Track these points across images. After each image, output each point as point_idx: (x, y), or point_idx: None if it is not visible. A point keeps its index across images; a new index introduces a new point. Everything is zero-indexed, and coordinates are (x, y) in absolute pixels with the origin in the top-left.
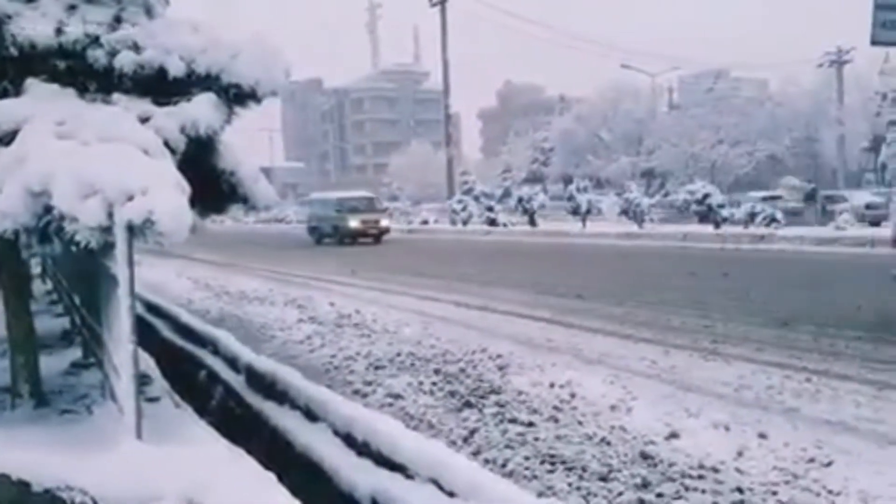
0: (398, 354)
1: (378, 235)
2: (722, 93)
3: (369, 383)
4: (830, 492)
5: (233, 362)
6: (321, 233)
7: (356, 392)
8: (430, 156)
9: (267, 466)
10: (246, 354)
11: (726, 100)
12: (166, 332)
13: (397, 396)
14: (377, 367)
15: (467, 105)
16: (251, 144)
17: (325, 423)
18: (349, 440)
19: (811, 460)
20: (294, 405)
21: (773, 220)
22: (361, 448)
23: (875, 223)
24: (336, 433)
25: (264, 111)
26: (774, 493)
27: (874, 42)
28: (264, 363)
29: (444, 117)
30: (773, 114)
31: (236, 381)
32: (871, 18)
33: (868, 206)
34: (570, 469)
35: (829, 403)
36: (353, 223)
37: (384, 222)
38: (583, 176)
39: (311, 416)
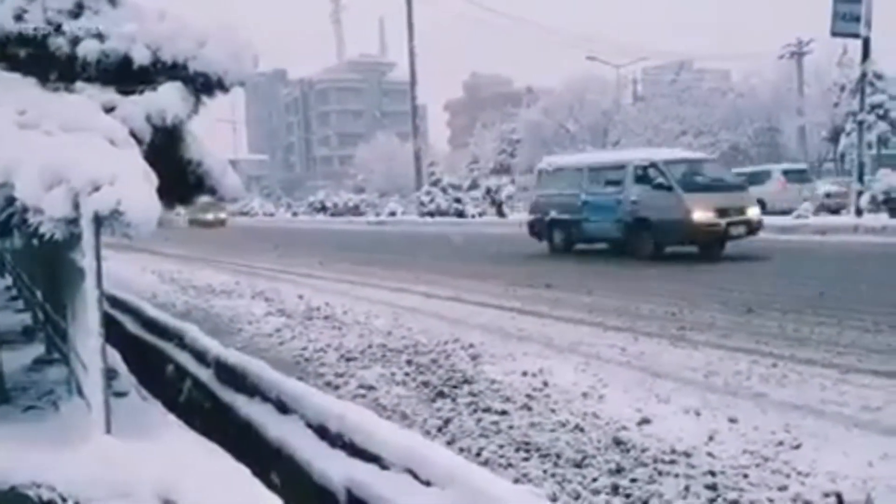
0: (369, 346)
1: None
2: (685, 84)
3: (341, 375)
4: (800, 473)
5: (201, 356)
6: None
7: (328, 384)
8: (397, 147)
9: (239, 460)
10: (214, 348)
11: (689, 91)
12: (132, 326)
13: (370, 388)
14: (349, 359)
15: (434, 96)
16: (214, 136)
17: (298, 415)
18: (322, 432)
19: (780, 443)
20: (265, 398)
21: None
22: (335, 439)
23: (834, 211)
24: (309, 425)
25: (228, 102)
26: (745, 476)
27: (834, 33)
28: (234, 356)
29: (410, 108)
30: (736, 104)
31: (205, 374)
32: (831, 10)
33: (827, 195)
34: (544, 456)
35: (795, 388)
36: (706, 215)
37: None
38: None
39: (282, 408)
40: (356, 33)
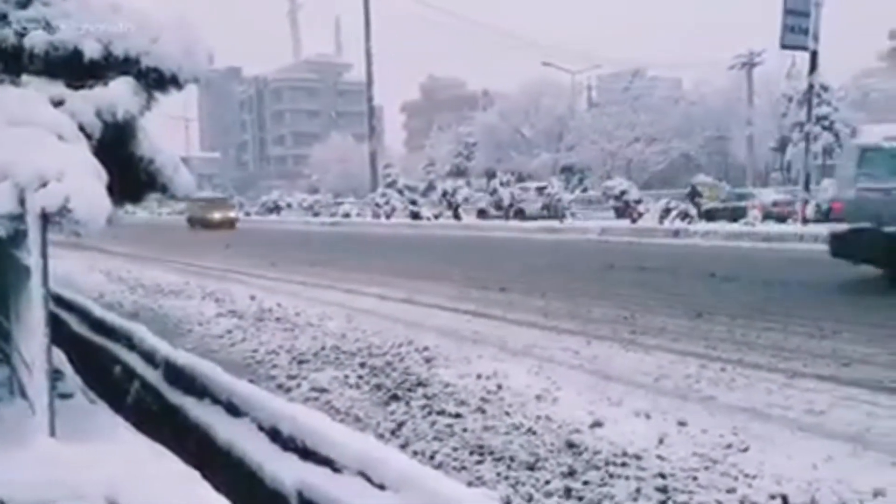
0: (322, 348)
1: None
2: (638, 91)
3: (293, 377)
4: (747, 476)
5: (150, 357)
6: None
7: (280, 386)
8: (353, 148)
9: (189, 463)
10: (163, 349)
11: (642, 98)
12: (78, 326)
13: (322, 390)
14: (301, 362)
15: (391, 98)
16: (167, 133)
17: (249, 417)
18: (274, 435)
19: (728, 446)
20: (216, 400)
21: (686, 215)
22: (287, 442)
23: (781, 219)
24: (260, 428)
25: (181, 99)
26: (695, 479)
27: (783, 46)
28: (183, 357)
29: (367, 109)
30: (687, 113)
31: (154, 376)
32: (781, 24)
33: (774, 203)
34: (498, 459)
35: (743, 391)
36: None
37: None
38: (505, 171)
39: (233, 410)
40: (312, 33)
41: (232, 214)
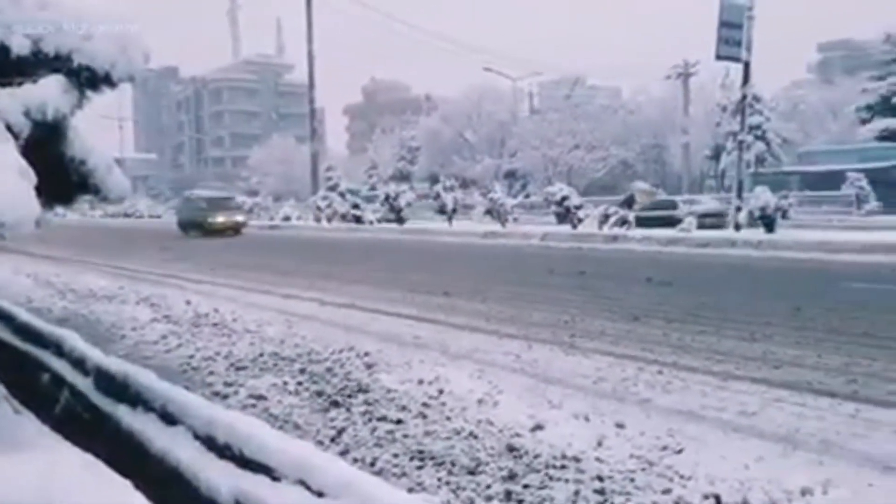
0: (261, 354)
1: None
2: (578, 99)
3: (230, 384)
4: (682, 477)
5: (80, 364)
6: None
7: (216, 393)
8: (293, 150)
9: (121, 473)
10: (95, 355)
11: (582, 106)
12: (2, 332)
13: (260, 397)
14: (238, 368)
15: (333, 100)
16: (100, 133)
17: (184, 425)
18: (210, 443)
19: (664, 448)
20: (149, 408)
21: (624, 221)
22: (223, 450)
23: (714, 225)
24: (196, 436)
25: (115, 98)
26: (632, 480)
27: (718, 57)
28: (116, 364)
29: (308, 111)
30: (626, 121)
31: (84, 384)
32: (716, 35)
33: (708, 211)
34: (439, 464)
35: (678, 394)
36: None
37: None
38: (448, 175)
39: (168, 418)
40: (253, 33)
41: (239, 218)
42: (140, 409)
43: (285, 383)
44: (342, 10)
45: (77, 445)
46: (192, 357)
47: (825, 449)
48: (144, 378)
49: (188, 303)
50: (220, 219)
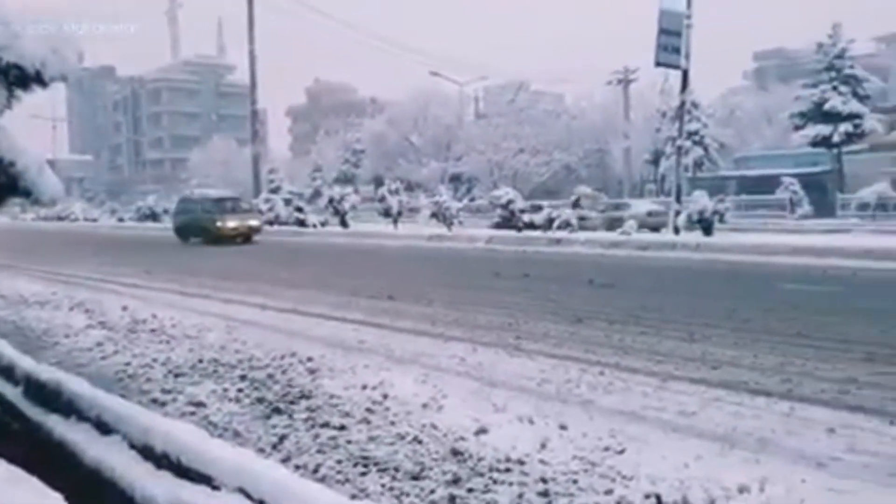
0: (200, 361)
1: None
2: (523, 104)
3: (168, 391)
4: (624, 477)
5: (8, 372)
6: None
7: (154, 401)
8: (235, 152)
9: (52, 486)
10: (25, 364)
11: (527, 111)
12: None
13: (200, 404)
14: (177, 375)
15: (275, 101)
16: (30, 133)
17: (119, 435)
18: (146, 452)
19: (606, 448)
20: (82, 417)
21: (568, 224)
22: (160, 460)
23: (655, 229)
24: (132, 445)
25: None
26: (575, 482)
27: (658, 64)
28: (47, 372)
29: (250, 113)
30: (569, 126)
31: (12, 393)
32: (655, 43)
33: (649, 214)
34: (383, 470)
35: (620, 395)
36: None
37: None
38: (394, 178)
39: (102, 428)
40: (193, 32)
41: (253, 222)
42: (73, 419)
43: (225, 390)
44: (286, 11)
45: (3, 457)
46: (128, 364)
47: (761, 447)
48: (78, 386)
49: (125, 308)
50: (231, 223)
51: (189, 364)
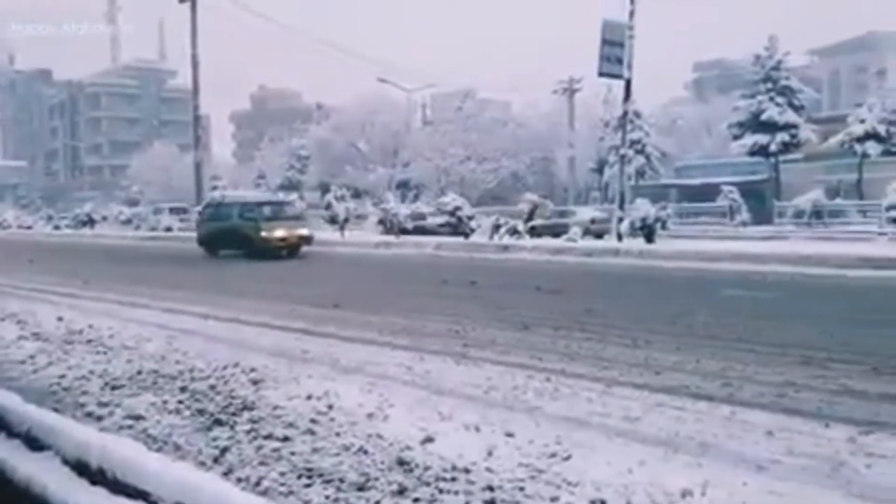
0: (139, 372)
1: None
2: (470, 112)
3: (105, 404)
4: (570, 483)
5: None
6: None
7: (90, 415)
8: (176, 158)
9: None
10: None
11: (474, 118)
12: None
13: (138, 417)
14: (114, 387)
15: (219, 107)
16: None
17: (52, 450)
18: (81, 468)
19: (553, 455)
20: (12, 433)
21: (514, 231)
22: (96, 476)
23: (598, 236)
24: (65, 461)
25: None
26: (521, 489)
27: (601, 74)
28: None
29: (192, 118)
30: (515, 134)
31: None
32: (599, 53)
33: (593, 221)
34: (327, 481)
35: (566, 401)
36: None
37: None
38: (340, 185)
39: (34, 444)
40: (134, 36)
41: (303, 231)
42: (2, 435)
43: (165, 402)
44: (230, 15)
45: None
46: (63, 377)
47: (703, 451)
48: (7, 400)
49: (60, 319)
50: (279, 232)
51: (127, 375)
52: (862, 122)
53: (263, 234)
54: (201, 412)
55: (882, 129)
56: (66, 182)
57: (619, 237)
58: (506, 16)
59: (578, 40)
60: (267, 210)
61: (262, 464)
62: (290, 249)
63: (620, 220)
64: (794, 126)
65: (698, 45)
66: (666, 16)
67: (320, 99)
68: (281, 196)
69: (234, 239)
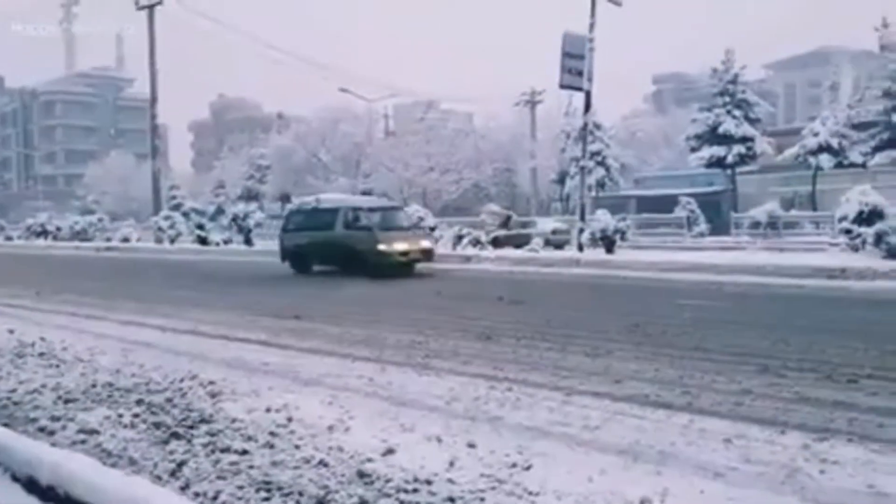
0: (93, 385)
1: None
2: (432, 123)
3: (58, 419)
4: (531, 493)
5: None
6: None
7: (42, 429)
8: (133, 168)
9: None
10: None
11: (436, 129)
12: None
13: (92, 432)
14: (68, 401)
15: (177, 116)
16: None
17: (1, 467)
18: (31, 486)
19: (514, 465)
20: None
21: (477, 242)
22: (47, 493)
23: (559, 246)
24: (15, 478)
25: None
26: (482, 500)
27: (562, 86)
28: None
29: (150, 127)
30: (477, 145)
31: None
32: (560, 65)
33: (554, 232)
34: (286, 495)
35: (527, 410)
36: None
37: None
38: (301, 195)
39: None
40: (90, 44)
41: (425, 244)
42: None
43: (120, 416)
44: (189, 24)
45: None
46: (13, 391)
47: (663, 459)
48: None
49: (11, 331)
50: (401, 245)
51: (81, 389)
52: (816, 135)
53: (381, 246)
54: (157, 425)
55: (835, 142)
56: (18, 192)
57: (580, 248)
58: (469, 27)
59: (541, 51)
60: (380, 217)
61: (219, 478)
62: (410, 267)
63: (581, 230)
64: (751, 139)
65: (658, 58)
66: (626, 29)
67: (281, 109)
68: (391, 200)
69: (335, 253)
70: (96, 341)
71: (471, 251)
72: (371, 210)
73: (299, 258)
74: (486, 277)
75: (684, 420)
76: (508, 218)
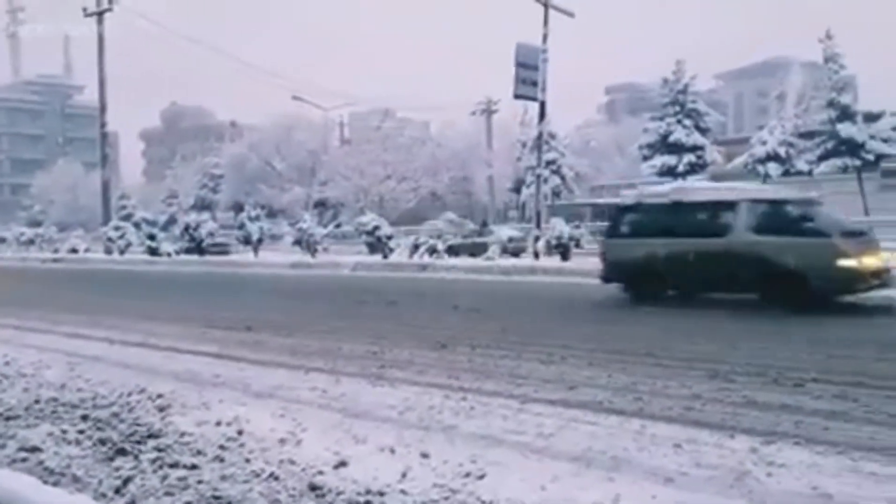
0: (37, 401)
1: None
2: (389, 131)
3: None
4: (484, 502)
5: None
6: None
7: None
8: (82, 177)
9: None
10: None
11: (393, 138)
12: None
13: (34, 449)
14: (9, 418)
15: (128, 124)
16: None
17: None
18: None
19: (467, 474)
20: None
21: (434, 250)
22: None
23: (516, 254)
24: None
25: None
26: None
27: (516, 96)
28: None
29: (99, 135)
30: (434, 154)
31: None
32: (514, 76)
33: (510, 240)
34: None
35: (482, 419)
36: None
37: None
38: (255, 204)
39: None
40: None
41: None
42: None
43: (64, 432)
44: (140, 30)
45: None
46: None
47: (615, 465)
48: None
49: None
50: (870, 259)
51: (23, 405)
52: (764, 143)
53: (844, 262)
54: (103, 441)
55: (782, 151)
56: None
57: (536, 255)
58: (425, 36)
59: (497, 60)
60: (833, 220)
61: (167, 494)
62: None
63: (537, 238)
64: (701, 147)
65: (610, 68)
66: (579, 40)
67: (234, 117)
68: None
69: (731, 271)
70: (41, 355)
71: (427, 260)
72: (808, 204)
73: (650, 278)
74: (442, 286)
75: (636, 426)
76: (484, 223)
